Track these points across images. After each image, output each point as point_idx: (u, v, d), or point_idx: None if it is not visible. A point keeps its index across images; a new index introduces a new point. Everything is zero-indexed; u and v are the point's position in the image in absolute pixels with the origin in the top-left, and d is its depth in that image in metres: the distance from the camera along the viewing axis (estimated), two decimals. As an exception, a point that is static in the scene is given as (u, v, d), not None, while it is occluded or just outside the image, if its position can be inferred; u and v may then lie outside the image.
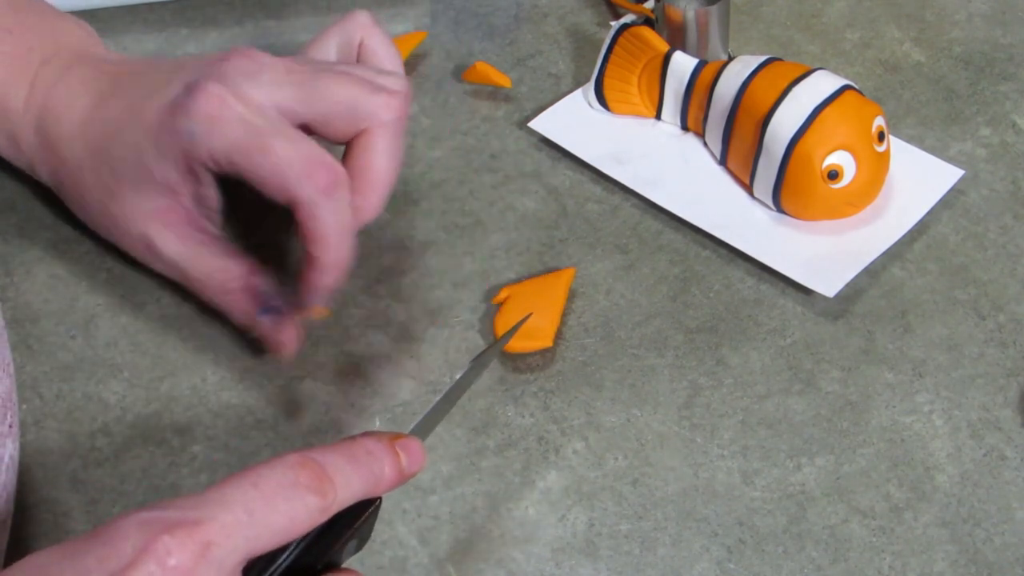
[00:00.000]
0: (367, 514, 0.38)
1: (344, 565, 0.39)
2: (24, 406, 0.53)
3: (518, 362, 0.54)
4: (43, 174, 0.57)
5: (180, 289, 0.57)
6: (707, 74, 0.60)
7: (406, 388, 0.54)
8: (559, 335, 0.55)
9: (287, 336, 0.53)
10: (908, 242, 0.58)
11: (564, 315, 0.56)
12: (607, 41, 0.63)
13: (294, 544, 0.36)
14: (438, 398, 0.44)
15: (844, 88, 0.56)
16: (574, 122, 0.64)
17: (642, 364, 0.54)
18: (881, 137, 0.57)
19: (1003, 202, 0.60)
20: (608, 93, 0.63)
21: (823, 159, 0.55)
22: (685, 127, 0.63)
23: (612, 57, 0.63)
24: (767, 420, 0.52)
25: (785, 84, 0.56)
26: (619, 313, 0.56)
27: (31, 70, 0.56)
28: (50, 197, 0.59)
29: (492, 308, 0.56)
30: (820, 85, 0.56)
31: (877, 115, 0.56)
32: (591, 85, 0.63)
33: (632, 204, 0.61)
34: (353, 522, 0.38)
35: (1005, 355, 0.54)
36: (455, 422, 0.52)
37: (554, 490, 0.50)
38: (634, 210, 0.60)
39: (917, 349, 0.54)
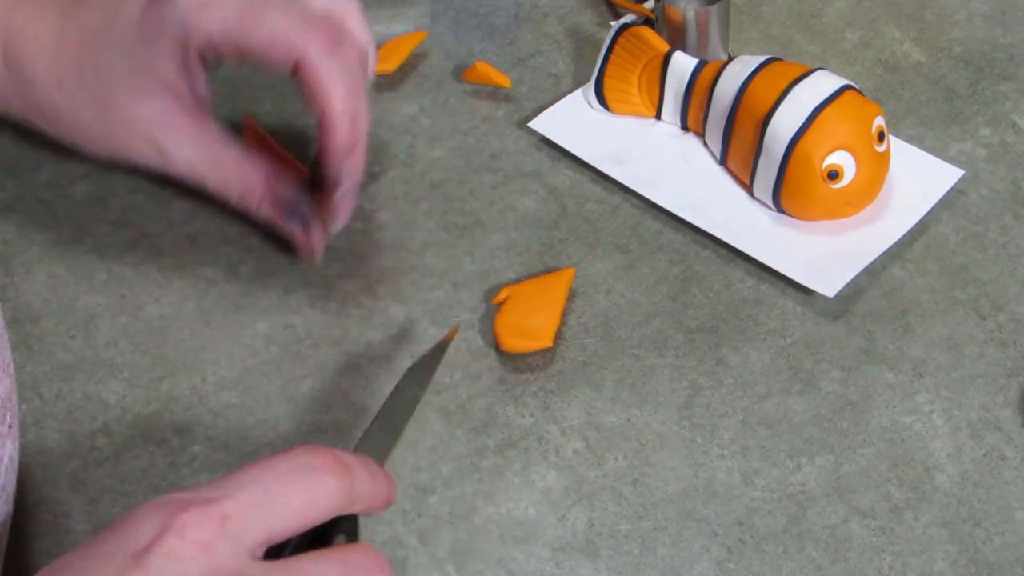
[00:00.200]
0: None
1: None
2: (24, 406, 0.53)
3: (518, 362, 0.54)
4: (16, 108, 0.55)
5: (180, 289, 0.58)
6: (707, 74, 0.60)
7: (406, 388, 0.54)
8: (559, 335, 0.55)
9: (317, 240, 0.52)
10: (908, 242, 0.58)
11: (564, 315, 0.56)
12: (607, 41, 0.63)
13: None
14: (375, 419, 0.43)
15: (844, 88, 0.56)
16: (574, 122, 0.64)
17: (642, 364, 0.54)
18: (881, 137, 0.57)
19: (1003, 202, 0.60)
20: (608, 93, 0.63)
21: (823, 159, 0.55)
22: (685, 127, 0.63)
23: (612, 57, 0.63)
24: (767, 420, 0.52)
25: (785, 84, 0.56)
26: (619, 313, 0.56)
27: None
28: (50, 197, 0.59)
29: (492, 308, 0.56)
30: (820, 85, 0.56)
31: (877, 115, 0.56)
32: (591, 85, 0.63)
33: (632, 204, 0.61)
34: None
35: (1005, 355, 0.54)
36: (455, 422, 0.52)
37: (554, 490, 0.50)
38: (634, 210, 0.60)
39: (917, 349, 0.54)
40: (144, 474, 0.51)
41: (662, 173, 0.61)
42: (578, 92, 0.65)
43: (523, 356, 0.55)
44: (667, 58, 0.61)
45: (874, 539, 0.48)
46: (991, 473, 0.50)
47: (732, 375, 0.54)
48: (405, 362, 0.54)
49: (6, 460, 0.44)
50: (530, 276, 0.57)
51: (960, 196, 0.60)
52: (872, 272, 0.57)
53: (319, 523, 0.36)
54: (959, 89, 0.65)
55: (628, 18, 0.63)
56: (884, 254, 0.57)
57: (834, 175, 0.56)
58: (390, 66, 0.67)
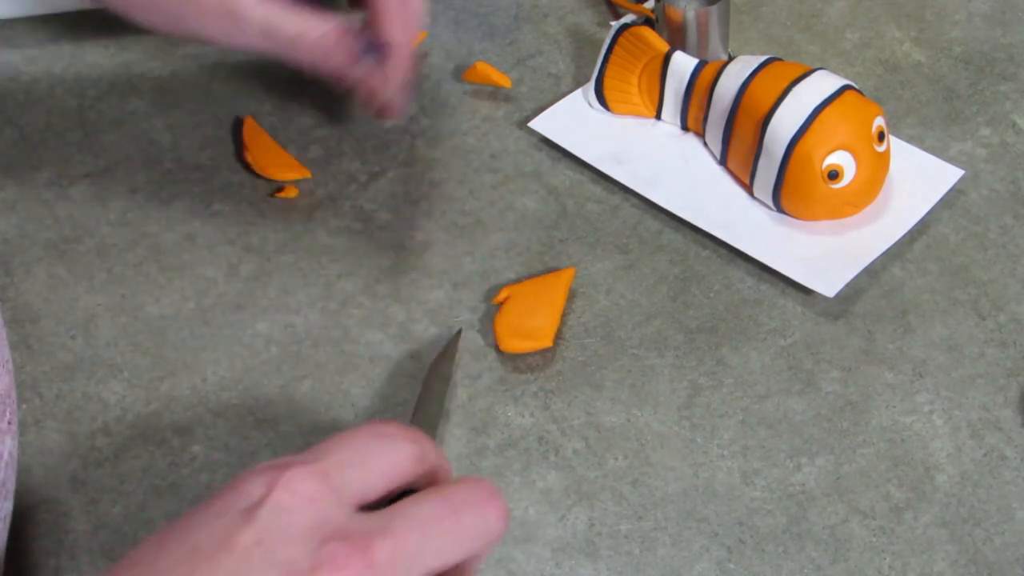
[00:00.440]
0: None
1: None
2: (24, 406, 0.53)
3: (518, 362, 0.54)
4: None
5: (180, 289, 0.58)
6: (707, 74, 0.60)
7: (406, 388, 0.54)
8: (559, 335, 0.55)
9: (391, 89, 0.51)
10: (908, 242, 0.58)
11: (564, 315, 0.56)
12: (607, 41, 0.63)
13: None
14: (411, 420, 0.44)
15: (844, 88, 0.56)
16: (574, 122, 0.64)
17: (642, 364, 0.54)
18: (881, 137, 0.57)
19: (1003, 202, 0.60)
20: (608, 93, 0.63)
21: (823, 159, 0.55)
22: (685, 127, 0.63)
23: (612, 57, 0.63)
24: (767, 420, 0.52)
25: (785, 84, 0.56)
26: (619, 313, 0.56)
27: None
28: (50, 197, 0.59)
29: (492, 308, 0.56)
30: (820, 85, 0.56)
31: (877, 115, 0.56)
32: (591, 85, 0.63)
33: (632, 204, 0.61)
34: None
35: (1005, 355, 0.54)
36: (455, 422, 0.52)
37: (554, 490, 0.50)
38: (634, 210, 0.60)
39: (917, 349, 0.54)
40: (144, 474, 0.51)
41: (662, 173, 0.61)
42: (578, 92, 0.65)
43: (523, 356, 0.55)
44: (667, 58, 0.61)
45: (874, 539, 0.48)
46: (991, 473, 0.50)
47: (732, 375, 0.54)
48: (405, 362, 0.54)
49: (6, 456, 0.44)
50: (530, 276, 0.57)
51: (960, 196, 0.60)
52: (872, 272, 0.57)
53: (400, 487, 0.36)
54: (959, 89, 0.65)
55: (628, 18, 0.63)
56: (884, 254, 0.57)
57: (834, 175, 0.56)
58: (390, 66, 0.67)
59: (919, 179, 0.60)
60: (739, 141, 0.59)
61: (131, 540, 0.49)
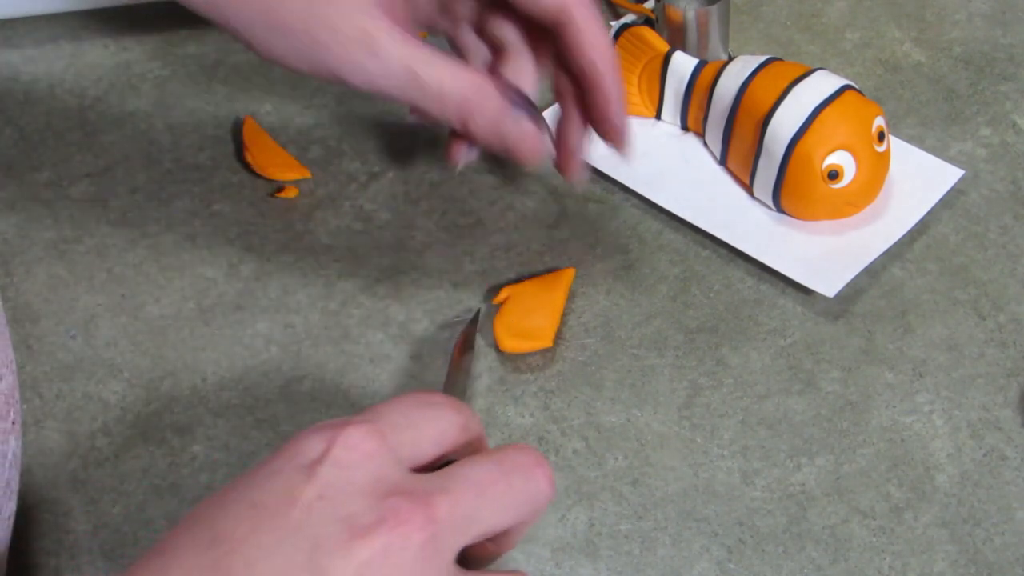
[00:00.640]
0: None
1: None
2: (24, 406, 0.53)
3: (518, 362, 0.54)
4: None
5: (180, 289, 0.58)
6: (707, 74, 0.60)
7: (406, 388, 0.54)
8: (559, 335, 0.55)
9: (541, 139, 0.48)
10: (908, 242, 0.58)
11: (564, 315, 0.56)
12: (607, 41, 0.63)
13: None
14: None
15: (844, 88, 0.56)
16: (574, 122, 0.64)
17: (642, 364, 0.54)
18: (881, 137, 0.57)
19: (1003, 202, 0.60)
20: (608, 93, 0.63)
21: (823, 159, 0.55)
22: (685, 127, 0.63)
23: (612, 57, 0.63)
24: (767, 420, 0.52)
25: (785, 84, 0.56)
26: (619, 313, 0.56)
27: None
28: (50, 197, 0.59)
29: (492, 308, 0.56)
30: (820, 85, 0.56)
31: (877, 115, 0.56)
32: (591, 85, 0.63)
33: (632, 204, 0.61)
34: None
35: (1005, 355, 0.54)
36: (455, 422, 0.52)
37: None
38: (634, 210, 0.60)
39: (917, 349, 0.54)
40: (144, 474, 0.51)
41: (662, 173, 0.61)
42: (578, 92, 0.65)
43: (523, 356, 0.55)
44: (667, 58, 0.61)
45: (874, 539, 0.48)
46: (991, 473, 0.50)
47: (732, 375, 0.54)
48: (405, 362, 0.54)
49: (10, 456, 0.44)
50: (530, 276, 0.57)
51: (960, 196, 0.60)
52: (872, 272, 0.57)
53: (445, 454, 0.37)
54: (959, 89, 0.65)
55: (628, 18, 0.63)
56: (884, 254, 0.57)
57: (834, 175, 0.56)
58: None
59: (919, 179, 0.60)
60: (739, 141, 0.59)
61: (131, 540, 0.49)
